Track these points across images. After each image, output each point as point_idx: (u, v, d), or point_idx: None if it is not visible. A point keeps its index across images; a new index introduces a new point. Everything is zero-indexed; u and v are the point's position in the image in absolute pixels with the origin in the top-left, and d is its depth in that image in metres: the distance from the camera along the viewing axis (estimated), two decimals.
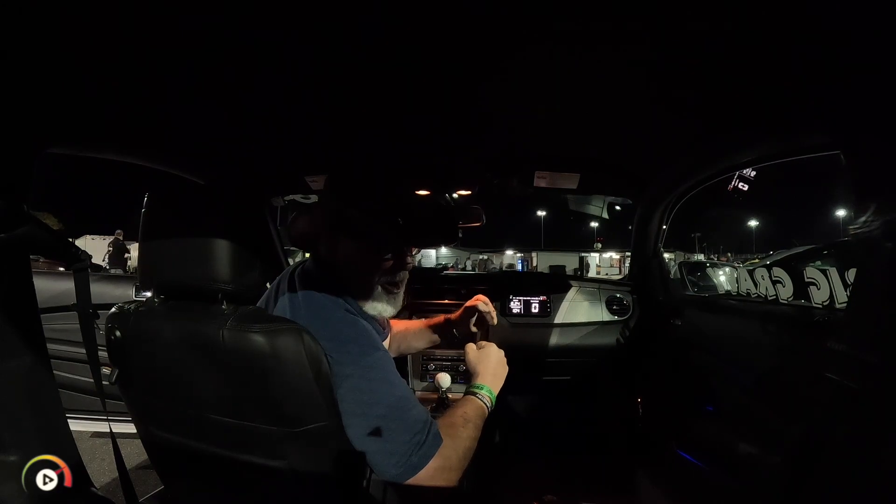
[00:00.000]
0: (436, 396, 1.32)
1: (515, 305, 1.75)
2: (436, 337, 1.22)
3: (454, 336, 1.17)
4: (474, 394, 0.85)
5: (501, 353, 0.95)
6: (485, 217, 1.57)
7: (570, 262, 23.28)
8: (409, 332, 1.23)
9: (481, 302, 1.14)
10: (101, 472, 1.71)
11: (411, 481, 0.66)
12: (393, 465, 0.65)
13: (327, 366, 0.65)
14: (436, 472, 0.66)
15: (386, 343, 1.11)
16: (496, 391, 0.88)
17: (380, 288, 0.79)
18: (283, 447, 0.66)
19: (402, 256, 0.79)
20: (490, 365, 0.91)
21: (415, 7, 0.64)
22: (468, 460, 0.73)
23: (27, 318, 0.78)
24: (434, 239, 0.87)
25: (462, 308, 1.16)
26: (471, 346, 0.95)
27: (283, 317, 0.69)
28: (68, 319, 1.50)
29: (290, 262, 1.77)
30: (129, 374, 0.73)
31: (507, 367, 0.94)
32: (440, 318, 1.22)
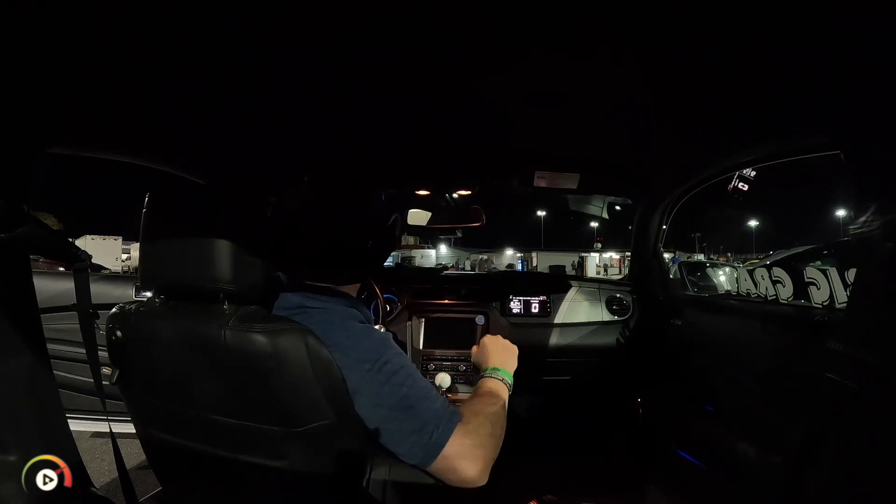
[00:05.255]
0: None
1: (515, 305, 1.75)
2: None
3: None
4: (485, 376, 0.84)
5: (499, 337, 0.95)
6: (485, 217, 1.57)
7: (570, 262, 23.28)
8: None
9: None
10: (101, 472, 1.71)
11: (441, 463, 0.64)
12: (418, 450, 0.64)
13: (330, 364, 0.65)
14: (461, 447, 0.65)
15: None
16: (509, 369, 0.87)
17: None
18: (284, 447, 0.66)
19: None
20: (494, 352, 0.91)
21: (415, 7, 0.64)
22: (499, 437, 0.72)
23: (27, 318, 0.78)
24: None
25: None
26: (473, 349, 0.96)
27: (286, 317, 0.69)
28: (68, 319, 1.50)
29: None
30: (130, 374, 0.73)
31: (512, 346, 0.93)
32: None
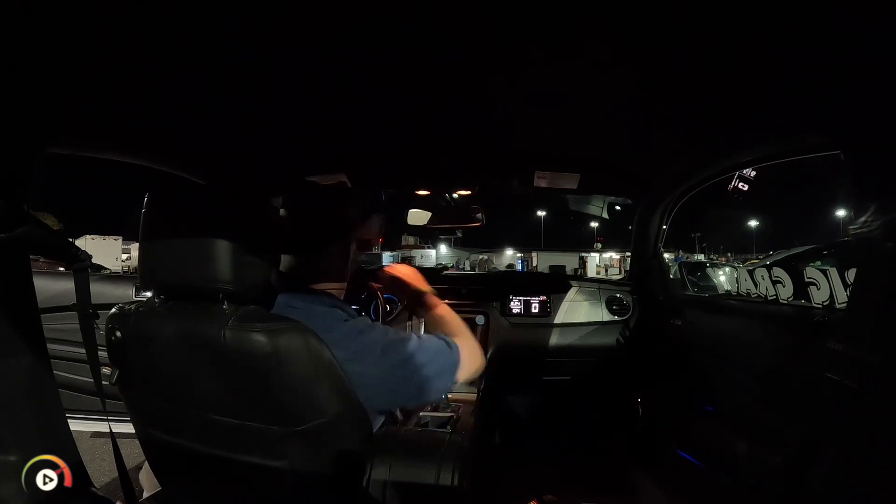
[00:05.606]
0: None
1: (515, 305, 1.74)
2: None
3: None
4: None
5: (396, 266, 1.05)
6: (485, 217, 1.57)
7: (570, 262, 23.27)
8: None
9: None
10: (101, 472, 1.71)
11: (463, 369, 0.77)
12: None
13: (331, 363, 0.65)
14: (469, 361, 0.79)
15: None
16: (429, 287, 0.98)
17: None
18: (284, 447, 0.66)
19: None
20: (414, 280, 0.99)
21: (415, 7, 0.64)
22: (469, 330, 0.88)
23: (27, 318, 0.78)
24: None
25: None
26: (376, 289, 1.09)
27: (286, 316, 0.69)
28: (68, 319, 1.50)
29: None
30: (130, 374, 0.73)
31: (412, 268, 1.03)
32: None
